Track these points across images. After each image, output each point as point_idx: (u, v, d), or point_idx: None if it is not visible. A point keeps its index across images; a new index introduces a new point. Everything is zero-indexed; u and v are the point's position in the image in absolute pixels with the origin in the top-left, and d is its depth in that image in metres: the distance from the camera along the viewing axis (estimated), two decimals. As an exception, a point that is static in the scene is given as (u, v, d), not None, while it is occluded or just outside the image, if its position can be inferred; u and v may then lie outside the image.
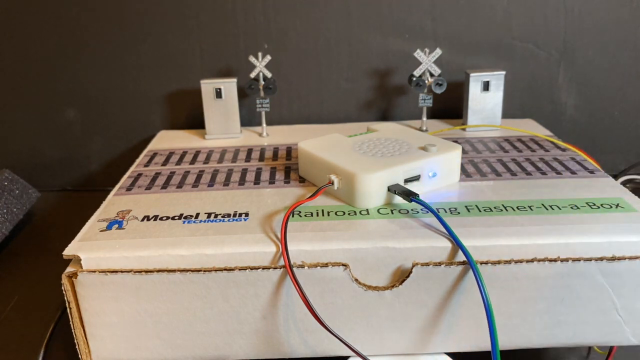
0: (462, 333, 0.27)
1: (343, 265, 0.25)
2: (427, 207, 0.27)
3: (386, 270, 0.26)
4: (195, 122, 0.49)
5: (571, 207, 0.28)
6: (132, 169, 0.36)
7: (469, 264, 0.24)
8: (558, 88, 0.48)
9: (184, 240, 0.26)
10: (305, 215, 0.28)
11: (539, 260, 0.25)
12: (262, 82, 0.43)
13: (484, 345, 0.27)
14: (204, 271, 0.25)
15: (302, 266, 0.25)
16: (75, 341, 0.26)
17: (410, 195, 0.28)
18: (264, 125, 0.43)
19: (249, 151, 0.39)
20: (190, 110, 0.49)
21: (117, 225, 0.28)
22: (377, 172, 0.28)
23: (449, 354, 0.27)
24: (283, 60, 0.47)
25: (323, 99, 0.49)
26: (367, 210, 0.29)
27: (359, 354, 0.25)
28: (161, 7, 0.46)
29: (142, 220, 0.28)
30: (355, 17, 0.46)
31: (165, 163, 0.37)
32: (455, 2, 0.46)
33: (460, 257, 0.25)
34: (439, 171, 0.31)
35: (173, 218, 0.28)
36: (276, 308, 0.26)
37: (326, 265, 0.25)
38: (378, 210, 0.29)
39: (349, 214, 0.28)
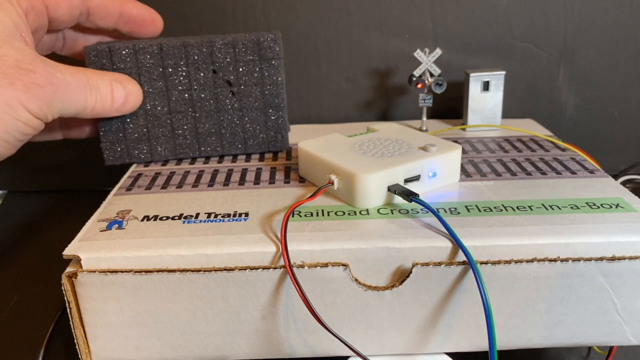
0: (462, 333, 0.27)
1: (343, 265, 0.25)
2: (427, 207, 0.27)
3: (386, 270, 0.26)
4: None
5: (571, 207, 0.28)
6: (132, 169, 0.36)
7: (469, 264, 0.24)
8: (558, 88, 0.48)
9: (184, 240, 0.26)
10: (305, 215, 0.28)
11: (539, 260, 0.25)
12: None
13: (484, 345, 0.27)
14: (204, 271, 0.25)
15: (302, 266, 0.25)
16: (75, 341, 0.26)
17: (410, 195, 0.28)
18: (264, 125, 0.43)
19: (249, 151, 0.39)
20: (190, 110, 0.49)
21: (117, 225, 0.28)
22: (377, 172, 0.28)
23: (449, 354, 0.27)
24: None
25: (323, 99, 0.49)
26: (367, 210, 0.29)
27: (359, 354, 0.25)
28: (161, 7, 0.46)
29: (142, 220, 0.28)
30: (355, 17, 0.46)
31: (165, 163, 0.37)
32: (455, 2, 0.46)
33: (460, 257, 0.25)
34: (439, 171, 0.31)
35: (173, 218, 0.28)
36: (276, 308, 0.26)
37: (326, 265, 0.25)
38: (378, 210, 0.29)
39: (349, 214, 0.28)
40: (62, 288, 0.25)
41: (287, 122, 0.38)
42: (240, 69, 0.36)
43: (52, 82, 0.29)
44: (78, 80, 0.31)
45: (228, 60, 0.36)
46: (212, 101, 0.37)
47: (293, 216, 0.28)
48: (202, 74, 0.36)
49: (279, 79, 0.37)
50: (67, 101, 0.30)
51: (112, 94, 0.33)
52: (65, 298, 0.25)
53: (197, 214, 0.29)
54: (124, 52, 0.35)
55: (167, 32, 0.46)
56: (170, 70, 0.36)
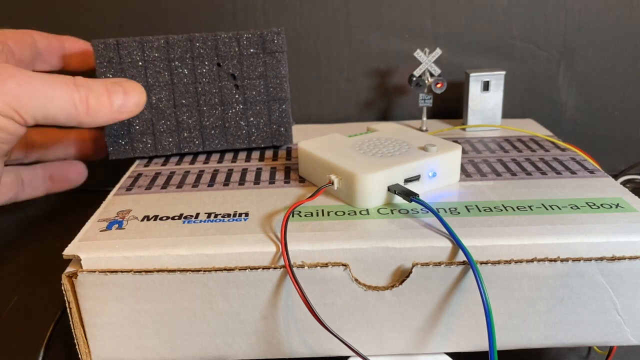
0: (462, 333, 0.27)
1: (343, 265, 0.25)
2: (427, 207, 0.27)
3: (386, 270, 0.26)
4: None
5: (571, 207, 0.28)
6: (132, 169, 0.36)
7: (469, 264, 0.24)
8: (558, 88, 0.48)
9: (184, 240, 0.26)
10: (305, 215, 0.28)
11: (539, 260, 0.25)
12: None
13: (484, 345, 0.27)
14: (204, 271, 0.25)
15: (302, 266, 0.25)
16: (75, 341, 0.26)
17: (410, 195, 0.28)
18: (264, 125, 0.43)
19: (249, 151, 0.39)
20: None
21: (117, 225, 0.28)
22: (377, 172, 0.28)
23: (449, 354, 0.27)
24: (283, 60, 0.47)
25: (323, 99, 0.49)
26: (367, 210, 0.29)
27: (359, 354, 0.25)
28: (162, 7, 0.46)
29: (142, 220, 0.28)
30: (355, 17, 0.46)
31: (165, 163, 0.37)
32: (455, 2, 0.46)
33: (460, 257, 0.25)
34: (439, 171, 0.31)
35: (173, 218, 0.28)
36: (276, 308, 0.26)
37: (326, 265, 0.25)
38: (378, 210, 0.29)
39: (349, 214, 0.28)
40: (62, 288, 0.25)
41: (290, 115, 0.38)
42: (245, 63, 0.36)
43: (14, 75, 0.27)
44: (56, 77, 0.29)
45: (232, 53, 0.36)
46: (216, 95, 0.37)
47: (293, 216, 0.28)
48: (207, 68, 0.36)
49: (283, 72, 0.37)
50: (43, 96, 0.28)
51: (108, 91, 0.30)
52: (65, 298, 0.25)
53: (197, 214, 0.29)
54: (130, 45, 0.35)
55: (167, 32, 0.46)
56: (175, 63, 0.36)
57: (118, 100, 0.31)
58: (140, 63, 0.36)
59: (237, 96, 0.37)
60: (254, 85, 0.37)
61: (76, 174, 0.41)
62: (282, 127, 0.38)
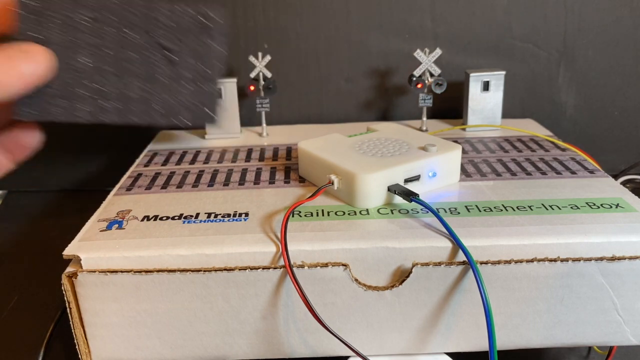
0: (462, 333, 0.27)
1: (343, 265, 0.25)
2: (427, 207, 0.27)
3: (386, 270, 0.26)
4: (195, 122, 0.48)
5: (571, 207, 0.28)
6: (132, 169, 0.36)
7: (469, 264, 0.24)
8: (558, 88, 0.48)
9: (184, 240, 0.26)
10: (305, 215, 0.28)
11: (539, 260, 0.25)
12: (262, 82, 0.43)
13: (484, 345, 0.27)
14: (204, 271, 0.25)
15: (302, 266, 0.25)
16: (75, 341, 0.26)
17: (410, 195, 0.28)
18: (264, 125, 0.43)
19: (249, 151, 0.39)
20: (190, 110, 0.49)
21: (117, 225, 0.28)
22: (377, 172, 0.28)
23: (449, 354, 0.27)
24: (283, 60, 0.47)
25: (323, 99, 0.49)
26: (367, 210, 0.29)
27: (359, 354, 0.25)
28: (161, 7, 0.46)
29: (142, 220, 0.28)
30: (355, 17, 0.46)
31: (165, 163, 0.37)
32: (455, 2, 0.46)
33: (460, 257, 0.25)
34: (439, 171, 0.31)
35: (173, 218, 0.28)
36: (276, 308, 0.26)
37: (326, 265, 0.25)
38: (378, 210, 0.29)
39: (349, 214, 0.28)
40: (62, 288, 0.25)
41: (218, 95, 0.36)
42: (177, 36, 0.34)
43: None
44: None
45: (166, 25, 0.34)
46: (143, 66, 0.35)
47: (293, 216, 0.28)
48: (137, 36, 0.34)
49: (217, 50, 0.35)
50: None
51: (10, 59, 0.27)
52: (65, 298, 0.25)
53: (197, 214, 0.29)
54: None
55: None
56: (105, 28, 0.33)
57: (27, 67, 0.28)
58: (63, 19, 0.32)
59: (165, 69, 0.35)
60: (184, 61, 0.35)
61: (29, 137, 0.36)
62: (207, 107, 0.36)
